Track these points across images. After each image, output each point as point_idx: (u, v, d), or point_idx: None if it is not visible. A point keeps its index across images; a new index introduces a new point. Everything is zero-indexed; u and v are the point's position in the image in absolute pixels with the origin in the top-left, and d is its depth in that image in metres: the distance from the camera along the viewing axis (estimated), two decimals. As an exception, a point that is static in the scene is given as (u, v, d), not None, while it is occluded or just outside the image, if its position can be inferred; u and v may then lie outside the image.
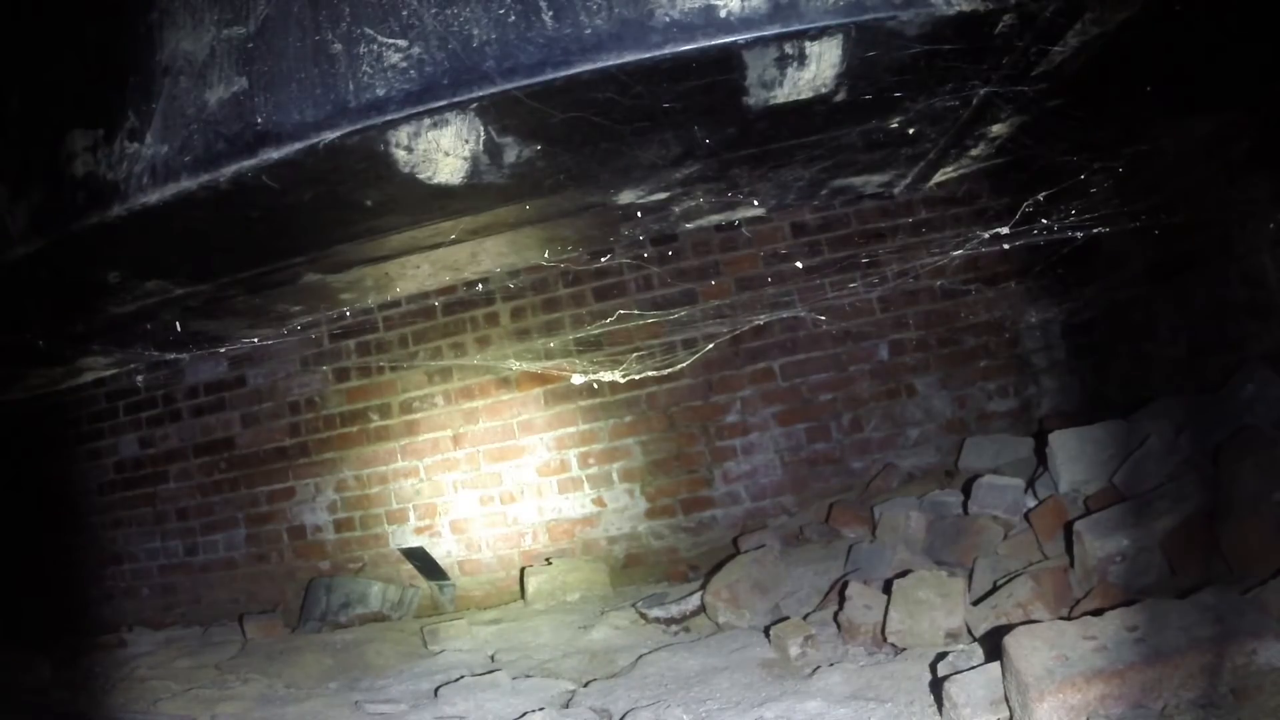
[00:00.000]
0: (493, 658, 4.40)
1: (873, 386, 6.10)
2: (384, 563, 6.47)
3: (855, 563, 4.59)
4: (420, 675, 4.23)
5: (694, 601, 4.46)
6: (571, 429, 6.21)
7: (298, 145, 3.12)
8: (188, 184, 3.24)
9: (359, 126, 3.08)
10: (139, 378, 7.26)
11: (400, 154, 3.29)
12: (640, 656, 3.96)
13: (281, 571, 6.73)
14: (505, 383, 6.32)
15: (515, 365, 5.85)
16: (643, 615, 4.57)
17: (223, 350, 6.19)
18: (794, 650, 3.60)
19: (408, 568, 6.34)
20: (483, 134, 3.28)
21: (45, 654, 5.03)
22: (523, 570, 5.82)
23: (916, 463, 6.02)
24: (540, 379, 6.25)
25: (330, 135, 3.09)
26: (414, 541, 6.36)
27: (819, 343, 6.11)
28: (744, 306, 6.16)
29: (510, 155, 3.49)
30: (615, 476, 6.15)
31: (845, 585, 3.91)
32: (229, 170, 3.20)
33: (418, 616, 5.90)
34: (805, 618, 4.02)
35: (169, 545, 7.14)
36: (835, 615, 3.85)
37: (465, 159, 3.43)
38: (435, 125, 3.17)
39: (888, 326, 6.08)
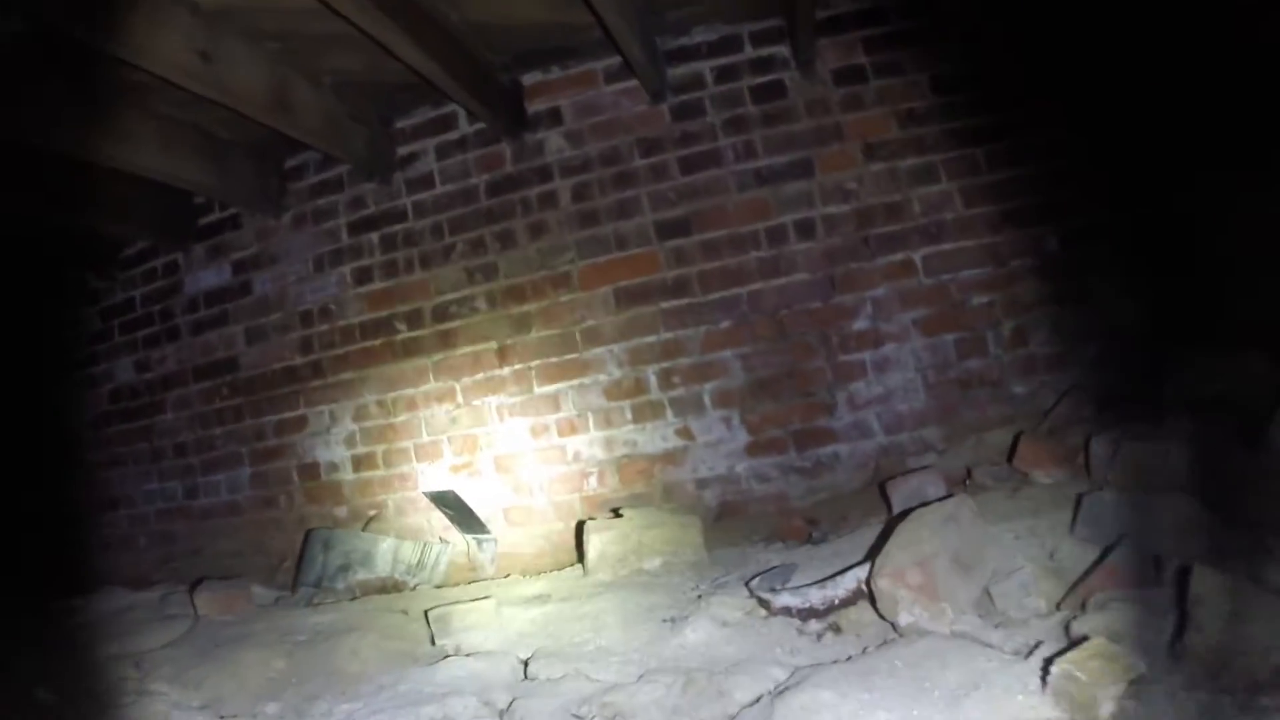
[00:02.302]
0: (525, 667, 2.48)
1: (1040, 288, 4.05)
2: (411, 510, 4.59)
3: (1090, 522, 2.62)
4: (402, 700, 2.31)
5: (846, 584, 2.48)
6: (651, 338, 4.24)
7: None
8: None
9: None
10: (135, 292, 5.48)
11: None
12: (777, 690, 2.00)
13: (291, 519, 4.89)
14: (564, 280, 4.37)
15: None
16: (764, 602, 2.61)
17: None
18: (1106, 706, 1.59)
19: (439, 517, 4.46)
20: None
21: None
22: (582, 524, 3.85)
23: (1102, 385, 3.95)
24: (609, 273, 4.31)
25: None
26: (447, 482, 4.47)
27: (971, 228, 4.09)
28: (874, 179, 4.17)
29: None
30: (707, 400, 4.19)
31: (1186, 571, 1.88)
32: None
33: (445, 584, 4.02)
34: (1066, 626, 2.03)
35: (167, 487, 5.35)
36: (1177, 631, 1.81)
37: None
38: None
39: (1058, 209, 4.03)
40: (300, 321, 4.90)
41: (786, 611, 2.52)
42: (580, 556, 3.69)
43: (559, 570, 3.80)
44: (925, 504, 2.64)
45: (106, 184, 4.78)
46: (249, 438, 5.03)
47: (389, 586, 3.81)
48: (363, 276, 4.74)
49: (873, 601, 2.36)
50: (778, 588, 2.73)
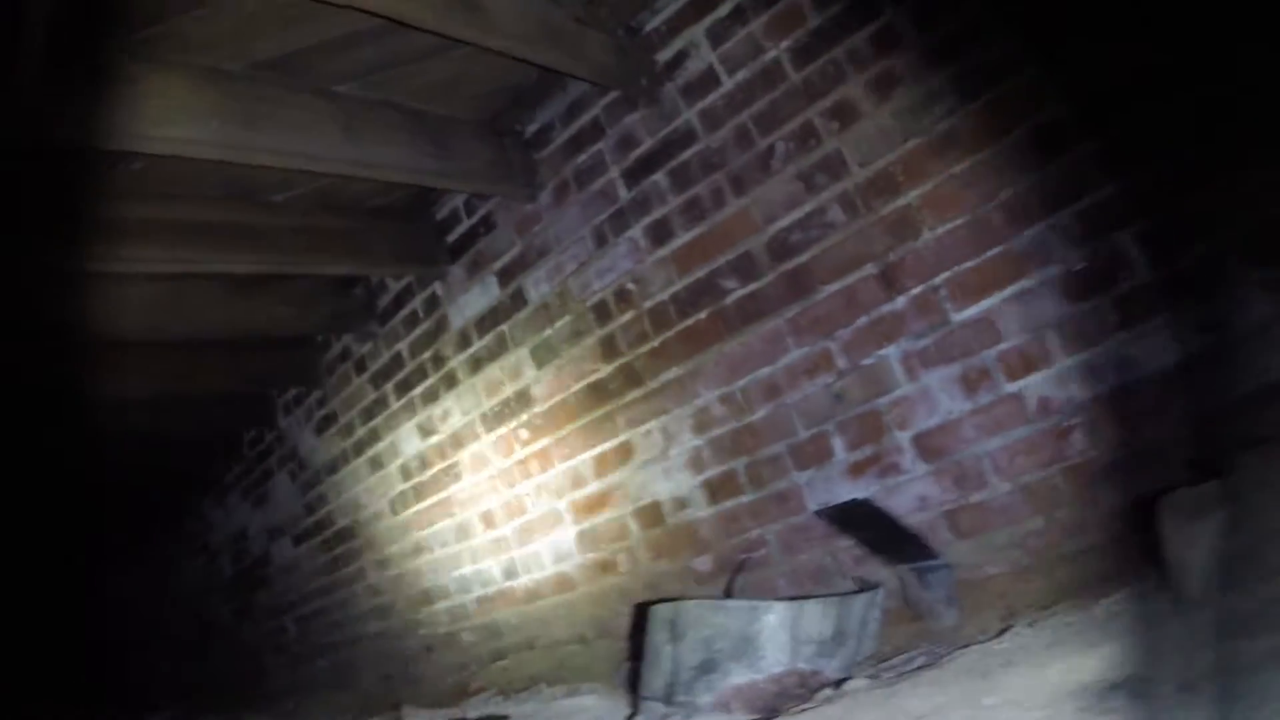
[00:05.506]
0: None
1: None
2: (802, 543, 2.97)
3: None
4: None
5: None
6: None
7: None
8: None
9: None
10: (401, 345, 4.32)
11: None
12: None
13: (637, 585, 3.42)
14: (951, 139, 2.63)
15: None
16: None
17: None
18: None
19: (846, 547, 2.81)
20: None
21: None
22: (1150, 505, 1.94)
23: None
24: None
25: None
26: (849, 491, 2.82)
27: None
28: None
29: None
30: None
31: None
32: None
33: (881, 657, 2.35)
34: None
35: (481, 568, 4.07)
36: None
37: None
38: None
39: None
40: (595, 319, 3.48)
41: None
42: (1157, 562, 1.91)
43: (1089, 603, 2.03)
44: None
45: (325, 220, 3.67)
46: (564, 488, 3.65)
47: (789, 688, 2.16)
48: (660, 233, 3.25)
49: None
50: None
